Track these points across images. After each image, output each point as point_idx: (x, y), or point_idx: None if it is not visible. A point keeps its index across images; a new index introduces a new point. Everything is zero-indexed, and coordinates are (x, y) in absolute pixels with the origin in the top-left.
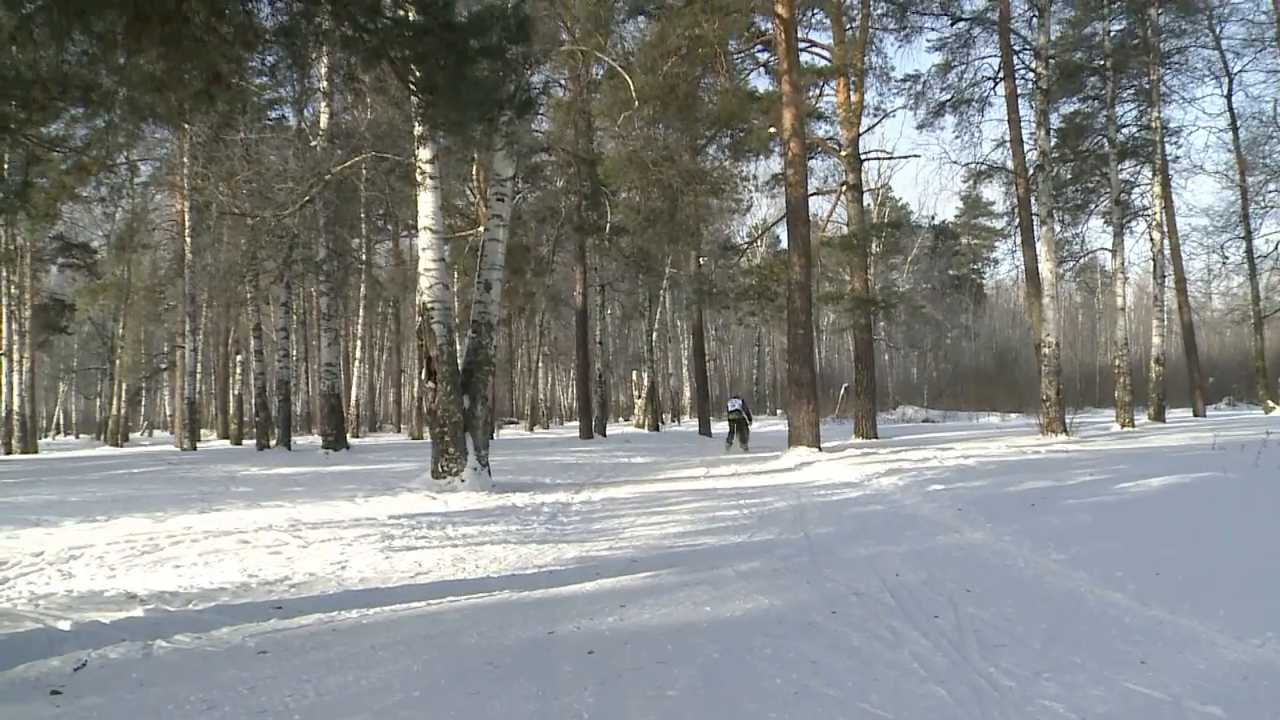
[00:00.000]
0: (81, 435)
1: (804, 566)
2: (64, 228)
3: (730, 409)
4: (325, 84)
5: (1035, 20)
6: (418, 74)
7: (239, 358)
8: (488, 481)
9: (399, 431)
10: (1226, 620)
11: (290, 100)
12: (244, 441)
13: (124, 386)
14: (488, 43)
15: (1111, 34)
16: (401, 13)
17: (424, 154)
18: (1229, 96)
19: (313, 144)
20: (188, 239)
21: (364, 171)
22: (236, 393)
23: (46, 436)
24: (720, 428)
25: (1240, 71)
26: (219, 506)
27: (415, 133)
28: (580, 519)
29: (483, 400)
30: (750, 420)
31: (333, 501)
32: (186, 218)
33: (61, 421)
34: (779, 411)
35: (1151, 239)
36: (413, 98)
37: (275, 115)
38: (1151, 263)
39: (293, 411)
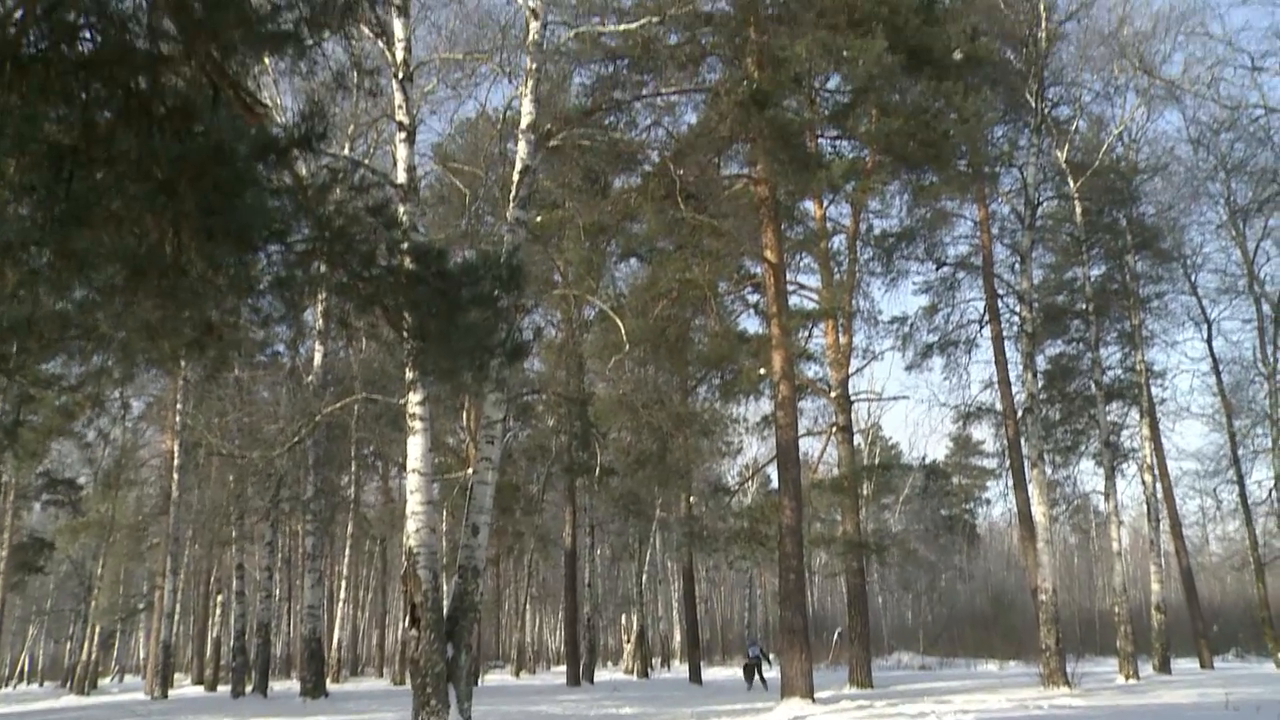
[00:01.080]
0: (46, 683)
1: None
2: (50, 465)
3: (750, 655)
4: (320, 324)
5: (1018, 265)
6: (410, 321)
7: (219, 598)
8: None
9: (381, 675)
10: None
11: (284, 340)
12: (219, 687)
13: (97, 629)
14: (480, 291)
15: (1092, 279)
16: (395, 261)
17: (414, 397)
18: (1209, 341)
19: (305, 382)
20: (175, 476)
21: (356, 410)
22: (215, 634)
23: (8, 686)
24: (710, 675)
25: (1218, 319)
26: None
27: (406, 378)
28: None
29: (467, 649)
30: (770, 663)
31: None
32: (175, 456)
33: (26, 667)
34: (771, 655)
35: (1143, 481)
36: (404, 343)
37: (269, 352)
38: (1145, 505)
39: (272, 654)
